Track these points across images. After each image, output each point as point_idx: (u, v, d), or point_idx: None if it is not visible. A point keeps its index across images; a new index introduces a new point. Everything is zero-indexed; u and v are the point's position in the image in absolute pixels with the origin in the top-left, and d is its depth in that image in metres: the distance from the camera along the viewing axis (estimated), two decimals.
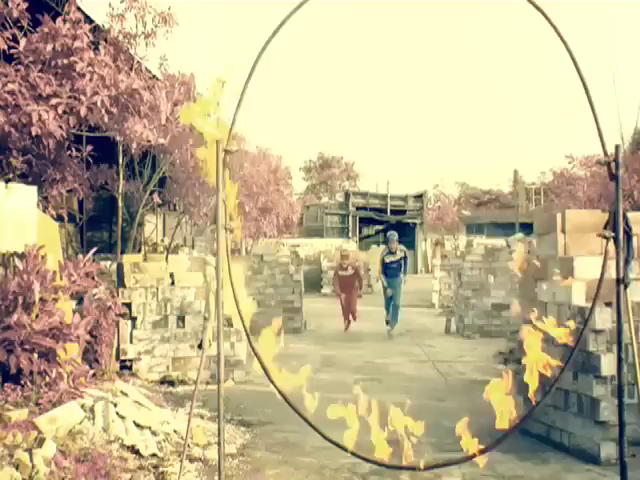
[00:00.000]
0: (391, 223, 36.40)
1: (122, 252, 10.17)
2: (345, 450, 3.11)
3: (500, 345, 9.63)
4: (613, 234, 2.94)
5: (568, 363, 3.09)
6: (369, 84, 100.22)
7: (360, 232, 38.42)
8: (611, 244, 3.01)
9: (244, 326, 3.07)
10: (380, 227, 39.35)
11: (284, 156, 19.99)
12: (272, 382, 3.08)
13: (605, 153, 2.97)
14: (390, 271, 12.50)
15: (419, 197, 38.29)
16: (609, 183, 13.04)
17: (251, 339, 3.08)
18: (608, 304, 4.67)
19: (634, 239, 5.19)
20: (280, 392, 3.11)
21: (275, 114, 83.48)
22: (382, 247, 21.01)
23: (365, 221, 38.94)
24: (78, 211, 12.12)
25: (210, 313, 3.07)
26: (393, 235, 12.80)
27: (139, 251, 11.73)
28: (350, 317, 13.38)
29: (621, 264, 2.95)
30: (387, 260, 12.48)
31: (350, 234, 35.20)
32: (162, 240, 17.12)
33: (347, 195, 38.71)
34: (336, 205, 38.73)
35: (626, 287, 3.03)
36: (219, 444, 2.96)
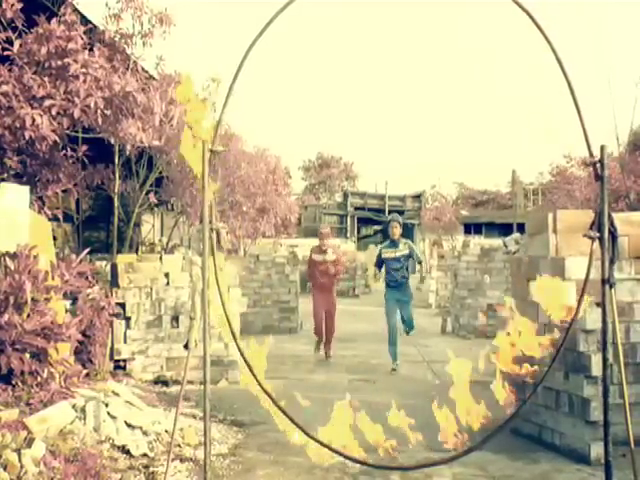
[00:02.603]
0: (389, 223, 36.40)
1: (119, 252, 10.18)
2: (333, 450, 3.12)
3: (496, 345, 9.65)
4: (598, 234, 2.95)
5: (554, 363, 3.09)
6: (368, 84, 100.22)
7: (358, 232, 38.49)
8: (597, 244, 3.02)
9: (230, 327, 3.08)
10: (378, 227, 39.42)
11: (283, 156, 20.00)
12: (259, 383, 3.09)
13: (591, 154, 2.98)
14: (394, 274, 8.66)
15: (417, 197, 38.36)
16: (606, 183, 13.05)
17: (238, 341, 3.09)
18: (599, 304, 4.69)
19: (627, 239, 5.22)
20: (267, 393, 3.11)
21: (275, 113, 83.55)
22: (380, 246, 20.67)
23: (363, 221, 38.99)
24: (75, 211, 12.15)
25: (196, 313, 3.07)
26: (396, 217, 9.12)
27: (136, 251, 11.75)
28: (324, 341, 9.61)
29: (606, 264, 2.96)
30: (386, 255, 8.71)
31: (348, 234, 35.22)
32: (160, 240, 17.14)
33: (345, 195, 38.80)
34: (334, 205, 38.79)
35: (612, 287, 3.04)
36: (205, 444, 2.97)
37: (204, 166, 2.92)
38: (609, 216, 2.98)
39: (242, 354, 3.05)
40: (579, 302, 3.10)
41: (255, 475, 4.58)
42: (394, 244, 8.75)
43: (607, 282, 2.99)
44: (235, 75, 2.92)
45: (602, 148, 2.93)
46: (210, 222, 2.95)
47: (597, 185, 11.18)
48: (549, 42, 2.93)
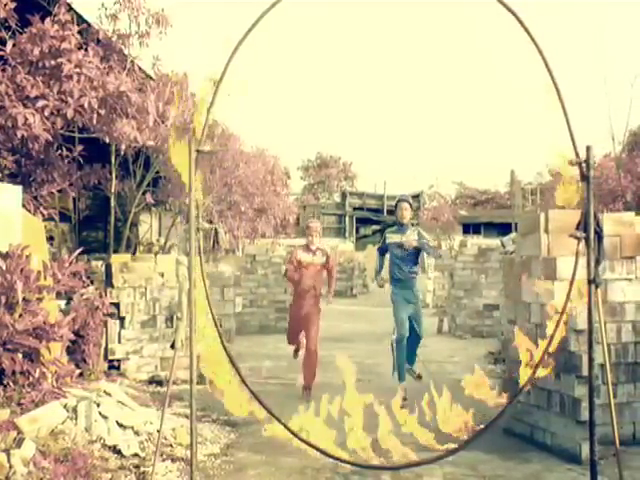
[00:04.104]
0: (388, 223, 36.51)
1: (116, 252, 10.19)
2: (318, 450, 3.12)
3: (491, 345, 9.67)
4: (584, 235, 2.95)
5: (539, 363, 3.10)
6: (367, 85, 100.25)
7: (357, 232, 38.52)
8: (582, 244, 3.02)
9: (217, 327, 3.08)
10: (377, 227, 39.45)
11: (282, 156, 20.04)
12: (246, 385, 3.09)
13: (577, 154, 2.98)
14: (400, 266, 7.00)
15: (416, 197, 38.38)
16: (602, 182, 13.04)
17: (224, 342, 3.09)
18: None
19: (619, 239, 5.22)
20: (254, 394, 3.12)
21: (274, 113, 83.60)
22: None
23: (362, 221, 39.03)
24: (73, 211, 12.16)
25: (183, 313, 3.08)
26: (405, 197, 7.49)
27: (134, 251, 11.76)
28: (303, 380, 7.29)
29: (592, 264, 2.96)
30: (392, 240, 7.08)
31: (347, 234, 35.25)
32: (158, 240, 17.16)
33: (344, 195, 38.87)
34: (333, 205, 38.85)
35: (597, 287, 3.04)
36: (191, 444, 2.97)
37: (190, 166, 2.92)
38: (595, 216, 2.98)
39: (229, 355, 3.05)
40: (565, 302, 3.10)
41: (246, 475, 4.59)
42: (402, 229, 7.11)
43: (593, 282, 2.99)
44: (221, 75, 2.92)
45: (588, 148, 2.94)
46: (196, 222, 2.96)
47: (594, 185, 11.19)
48: (535, 42, 2.93)
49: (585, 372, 4.64)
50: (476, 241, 20.57)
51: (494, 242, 16.57)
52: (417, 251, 7.08)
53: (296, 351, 7.81)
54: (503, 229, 31.95)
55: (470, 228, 37.16)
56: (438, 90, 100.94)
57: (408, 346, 7.04)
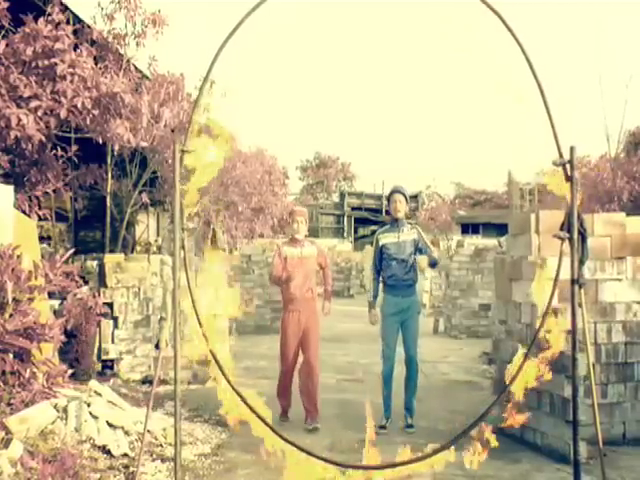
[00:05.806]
0: (386, 223, 36.51)
1: (112, 252, 10.20)
2: (303, 451, 3.13)
3: (486, 345, 9.68)
4: (568, 235, 2.96)
5: (526, 362, 3.10)
6: (366, 85, 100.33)
7: (355, 232, 38.54)
8: (566, 245, 3.03)
9: (201, 329, 3.09)
10: (375, 227, 39.47)
11: (281, 156, 20.04)
12: (231, 385, 3.09)
13: (561, 155, 2.99)
14: (396, 270, 5.84)
15: (414, 197, 38.38)
16: (598, 183, 12.97)
17: (210, 342, 3.09)
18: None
19: (609, 240, 5.23)
20: (240, 395, 3.12)
21: (274, 113, 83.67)
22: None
23: (361, 221, 39.05)
24: (71, 211, 12.17)
25: (167, 313, 3.08)
26: (399, 188, 6.09)
27: (132, 251, 11.77)
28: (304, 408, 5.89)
29: (576, 265, 2.97)
30: (386, 240, 5.93)
31: (345, 234, 35.26)
32: (156, 240, 17.16)
33: (342, 195, 38.89)
34: (331, 205, 38.87)
35: (581, 287, 3.05)
36: (175, 445, 2.98)
37: (175, 166, 2.93)
38: (578, 217, 2.99)
39: (214, 356, 3.06)
40: (549, 301, 3.11)
41: (236, 475, 4.60)
42: (397, 226, 5.94)
43: (576, 282, 3.00)
44: (206, 76, 2.93)
45: (571, 149, 2.94)
46: (181, 222, 2.97)
47: (590, 186, 11.19)
48: (519, 43, 2.94)
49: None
50: (474, 241, 20.57)
51: (491, 242, 16.59)
52: (416, 252, 5.94)
53: (284, 412, 6.04)
54: (502, 229, 31.93)
55: (469, 228, 37.17)
56: (437, 90, 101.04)
57: (407, 385, 5.99)
